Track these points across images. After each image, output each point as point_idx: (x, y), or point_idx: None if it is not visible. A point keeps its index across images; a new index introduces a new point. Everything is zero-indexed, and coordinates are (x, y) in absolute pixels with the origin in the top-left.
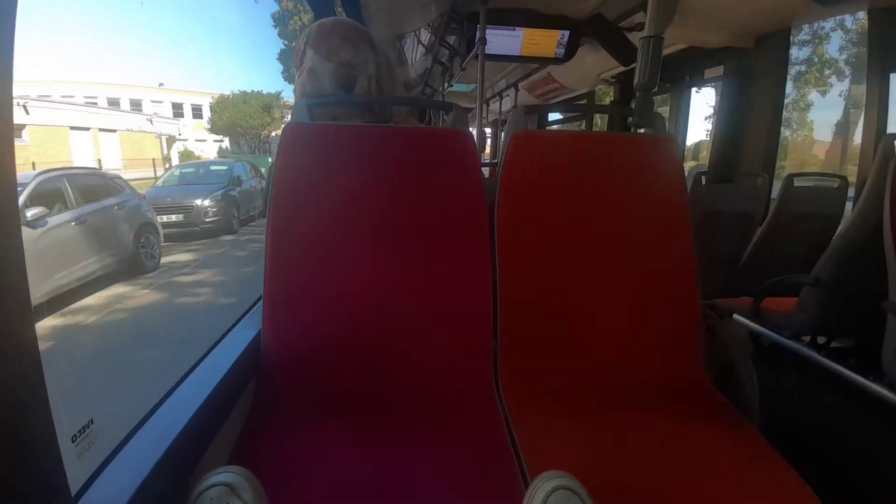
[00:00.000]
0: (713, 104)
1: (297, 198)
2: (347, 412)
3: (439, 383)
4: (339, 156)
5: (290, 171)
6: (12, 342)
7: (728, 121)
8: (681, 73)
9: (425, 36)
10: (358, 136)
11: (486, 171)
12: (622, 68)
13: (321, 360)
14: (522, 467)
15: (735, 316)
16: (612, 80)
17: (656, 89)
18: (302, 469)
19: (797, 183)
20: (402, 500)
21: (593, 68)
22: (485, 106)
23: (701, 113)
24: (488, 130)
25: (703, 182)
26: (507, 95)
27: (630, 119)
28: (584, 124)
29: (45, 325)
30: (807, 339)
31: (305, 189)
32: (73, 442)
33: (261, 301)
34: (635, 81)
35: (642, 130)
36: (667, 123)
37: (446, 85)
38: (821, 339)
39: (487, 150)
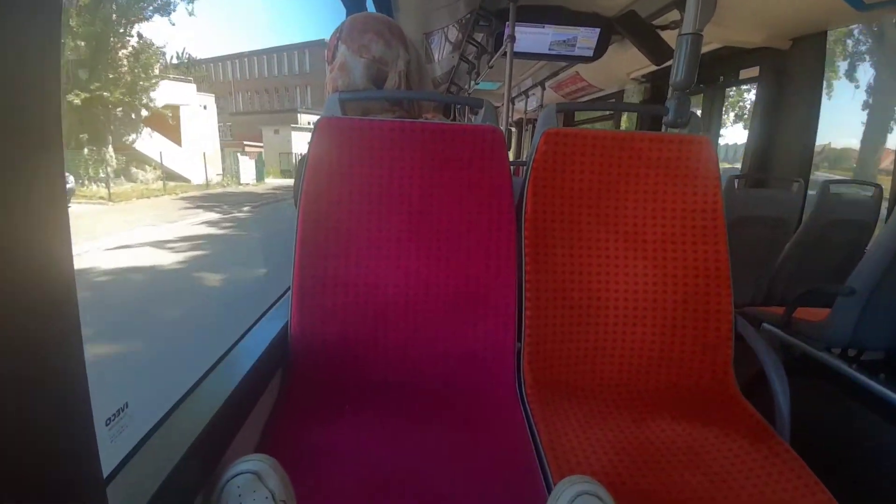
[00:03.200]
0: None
1: (327, 190)
2: (372, 405)
3: (463, 381)
4: (369, 150)
5: (322, 164)
6: (56, 321)
7: (764, 123)
8: (715, 72)
9: (453, 33)
10: (388, 130)
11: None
12: (653, 67)
13: (347, 352)
14: (545, 470)
15: (765, 325)
16: (643, 79)
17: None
18: (326, 459)
19: (833, 189)
20: (424, 498)
21: (623, 67)
22: (511, 104)
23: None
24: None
25: (737, 186)
26: (533, 94)
27: (664, 119)
28: (610, 126)
29: None
30: (837, 350)
31: (336, 182)
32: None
33: (289, 292)
34: (671, 80)
35: (675, 131)
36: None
37: (472, 83)
38: (851, 352)
39: (512, 148)
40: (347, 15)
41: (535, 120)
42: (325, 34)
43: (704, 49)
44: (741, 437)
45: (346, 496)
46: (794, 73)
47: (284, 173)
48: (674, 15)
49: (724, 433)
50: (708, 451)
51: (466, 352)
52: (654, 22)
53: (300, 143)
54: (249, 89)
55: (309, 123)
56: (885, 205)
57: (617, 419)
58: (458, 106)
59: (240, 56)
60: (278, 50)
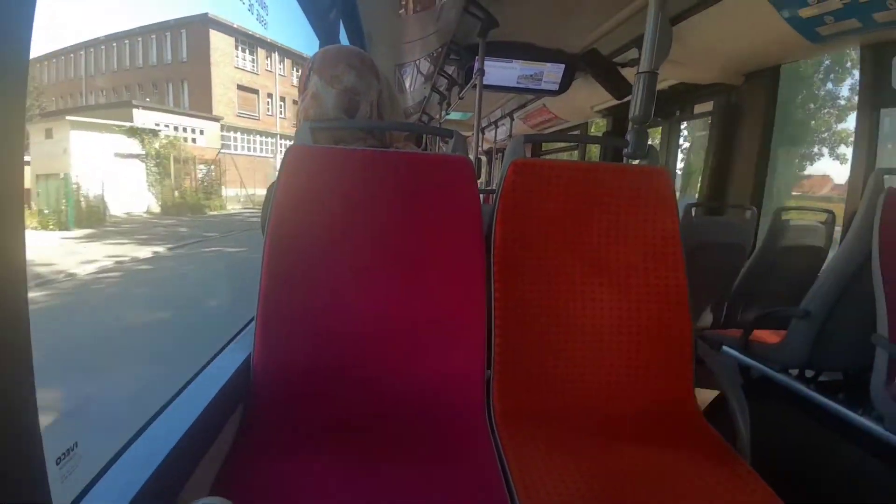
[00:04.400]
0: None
1: (295, 219)
2: (336, 442)
3: (431, 412)
4: (339, 179)
5: (291, 191)
6: (6, 348)
7: (718, 154)
8: (671, 107)
9: (425, 65)
10: (359, 160)
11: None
12: (615, 101)
13: (311, 386)
14: (514, 500)
15: (724, 348)
16: (605, 112)
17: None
18: (287, 501)
19: (785, 217)
20: None
21: (587, 101)
22: (481, 134)
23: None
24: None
25: (694, 214)
26: (503, 124)
27: (625, 150)
28: (575, 156)
29: None
30: (794, 372)
31: (305, 211)
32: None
33: (252, 323)
34: (630, 114)
35: (636, 162)
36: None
37: (443, 113)
38: (809, 373)
39: (482, 177)
40: (320, 46)
41: (504, 149)
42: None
43: (661, 85)
44: (705, 459)
45: None
46: (746, 107)
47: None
48: (633, 53)
49: (689, 456)
50: (673, 474)
51: (435, 382)
52: (615, 59)
53: (106, 158)
54: (106, 88)
55: (158, 125)
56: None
57: (585, 446)
58: (430, 136)
59: (94, 44)
60: (144, 31)
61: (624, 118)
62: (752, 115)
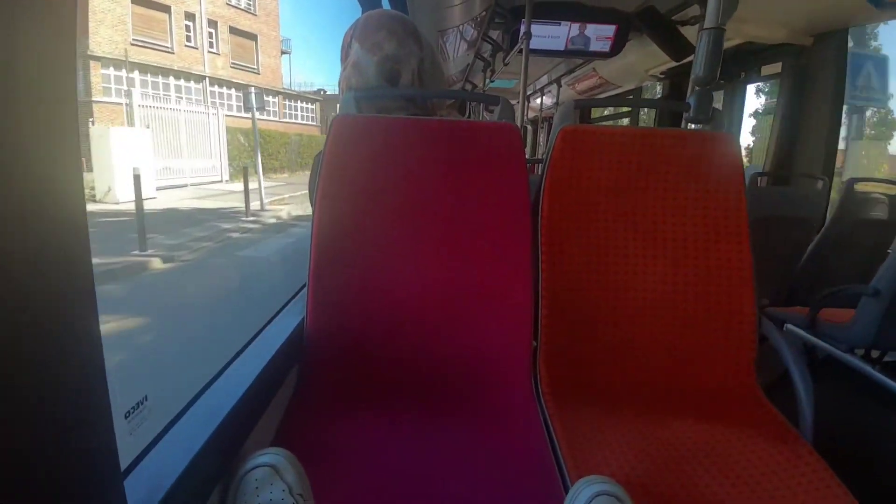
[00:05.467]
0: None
1: (342, 188)
2: (387, 401)
3: (479, 380)
4: (385, 148)
5: (337, 162)
6: (74, 315)
7: (787, 120)
8: (736, 69)
9: (468, 31)
10: (404, 128)
11: None
12: (672, 64)
13: (361, 349)
14: (562, 470)
15: (788, 326)
16: (661, 75)
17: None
18: (342, 454)
19: (858, 188)
20: (439, 495)
21: (641, 64)
22: (526, 102)
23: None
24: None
25: (759, 184)
26: (549, 91)
27: (686, 115)
28: (628, 124)
29: None
30: (860, 351)
31: (351, 180)
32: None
33: (305, 289)
34: (692, 76)
35: (696, 127)
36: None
37: (487, 81)
38: (875, 353)
39: (528, 146)
40: (362, 12)
41: (551, 118)
42: None
43: (725, 45)
44: (763, 439)
45: (362, 490)
46: (816, 70)
47: None
48: (694, 10)
49: (747, 435)
50: (729, 453)
51: (482, 351)
52: (673, 17)
53: None
54: None
55: None
56: None
57: (636, 420)
58: (474, 103)
59: None
60: None
61: (682, 82)
62: (822, 78)
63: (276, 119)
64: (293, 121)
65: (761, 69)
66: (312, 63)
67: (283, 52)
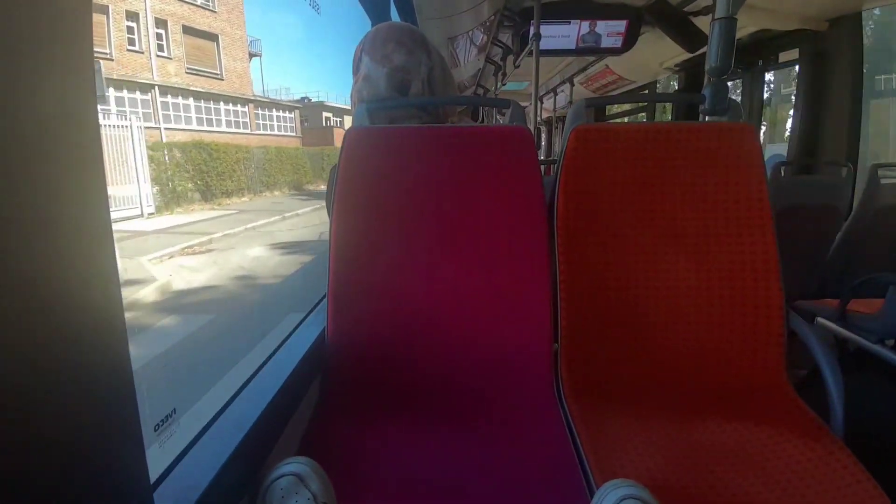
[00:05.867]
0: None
1: (359, 199)
2: (409, 409)
3: (500, 385)
4: (398, 157)
5: (353, 173)
6: (103, 330)
7: (808, 107)
8: (753, 57)
9: (478, 36)
10: (416, 137)
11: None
12: (686, 55)
13: (383, 357)
14: (587, 474)
15: (818, 319)
16: (676, 68)
17: (729, 74)
18: (366, 462)
19: (883, 174)
20: (463, 501)
21: (655, 57)
22: (539, 103)
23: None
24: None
25: (783, 173)
26: (562, 91)
27: (701, 107)
28: (643, 119)
29: None
30: (891, 342)
31: (367, 190)
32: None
33: (325, 299)
34: (707, 66)
35: (714, 119)
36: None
37: (499, 84)
38: None
39: (542, 147)
40: (372, 25)
41: (565, 117)
42: None
43: (740, 33)
44: (795, 436)
45: (386, 498)
46: (833, 55)
47: None
48: (705, 0)
49: (778, 433)
50: (760, 452)
51: (502, 355)
52: (685, 8)
53: None
54: None
55: None
56: None
57: (661, 421)
58: (486, 108)
59: None
60: None
61: (698, 73)
62: (840, 63)
63: (248, 131)
64: (269, 132)
65: (779, 56)
66: (293, 67)
67: (252, 55)
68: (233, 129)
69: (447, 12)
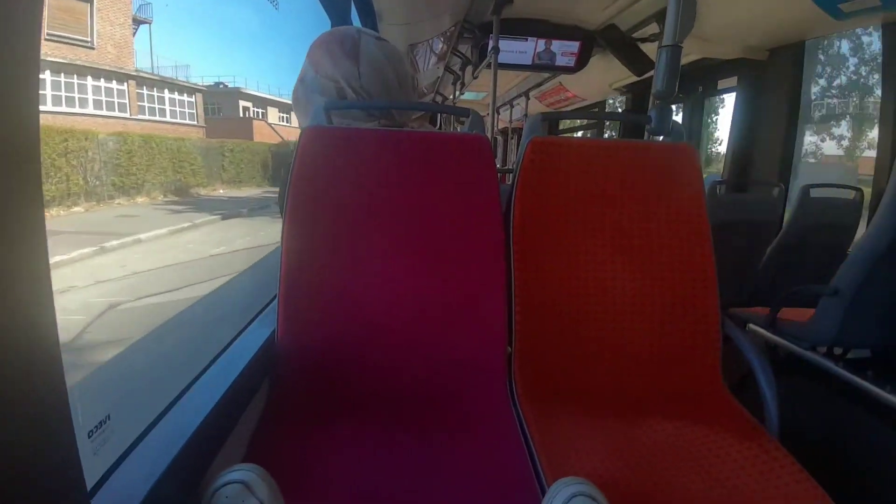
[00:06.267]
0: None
1: (313, 199)
2: (361, 413)
3: (453, 387)
4: (356, 159)
5: (307, 172)
6: (32, 332)
7: (743, 131)
8: (694, 83)
9: (438, 45)
10: (376, 140)
11: None
12: (634, 78)
13: (334, 361)
14: (539, 473)
15: (750, 325)
16: (624, 89)
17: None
18: (316, 469)
19: (813, 194)
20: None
21: (605, 78)
22: (496, 114)
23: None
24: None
25: (718, 192)
26: (518, 104)
27: (647, 127)
28: (594, 135)
29: None
30: (822, 349)
31: (322, 191)
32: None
33: (275, 300)
34: (653, 90)
35: (659, 139)
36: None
37: (457, 94)
38: (837, 351)
39: (498, 157)
40: (331, 26)
41: (521, 129)
42: None
43: (684, 60)
44: (731, 435)
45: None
46: (772, 82)
47: None
48: (653, 28)
49: (715, 432)
50: (699, 450)
51: (456, 360)
52: (634, 35)
53: None
54: None
55: None
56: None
57: (609, 421)
58: (445, 115)
59: None
60: None
61: (644, 95)
62: (778, 90)
63: (127, 115)
64: (159, 118)
65: (718, 83)
66: (200, 41)
67: (139, 21)
68: (105, 112)
69: (408, 19)
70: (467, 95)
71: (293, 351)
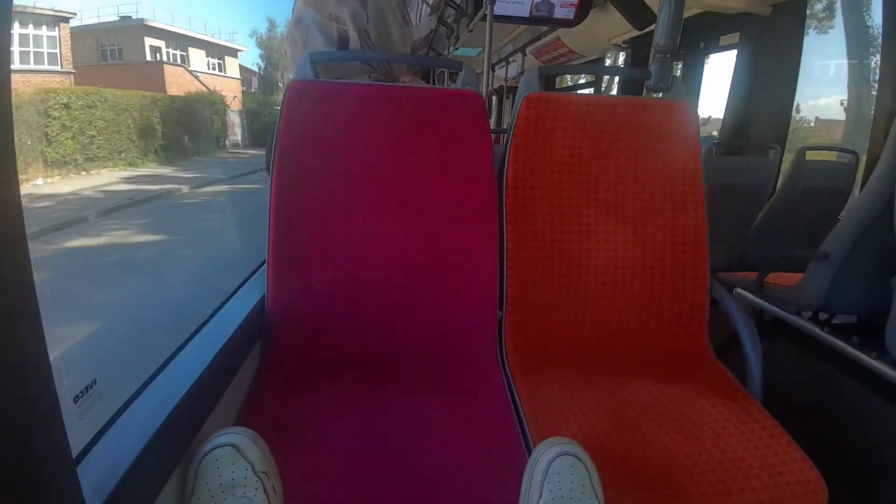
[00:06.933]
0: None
1: (301, 158)
2: (352, 376)
3: (443, 349)
4: (344, 115)
5: (294, 130)
6: (11, 297)
7: (742, 91)
8: (695, 38)
9: None
10: (366, 94)
11: None
12: (634, 33)
13: (325, 323)
14: (525, 434)
15: (738, 290)
16: (623, 45)
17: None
18: (307, 431)
19: (809, 157)
20: (405, 465)
21: (604, 32)
22: (491, 71)
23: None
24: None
25: (714, 154)
26: (514, 61)
27: (647, 83)
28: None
29: None
30: (808, 314)
31: (310, 149)
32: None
33: (264, 265)
34: (654, 43)
35: (658, 96)
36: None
37: (451, 49)
38: (822, 316)
39: (492, 116)
40: None
41: (516, 87)
42: None
43: (686, 14)
44: (715, 397)
45: (328, 466)
46: (773, 40)
47: None
48: None
49: (699, 394)
50: (682, 412)
51: (447, 322)
52: None
53: None
54: None
55: None
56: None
57: (597, 382)
58: (438, 72)
59: None
60: None
61: (644, 52)
62: (779, 48)
63: None
64: None
65: (720, 39)
66: None
67: None
68: None
69: None
70: (462, 51)
71: (284, 314)
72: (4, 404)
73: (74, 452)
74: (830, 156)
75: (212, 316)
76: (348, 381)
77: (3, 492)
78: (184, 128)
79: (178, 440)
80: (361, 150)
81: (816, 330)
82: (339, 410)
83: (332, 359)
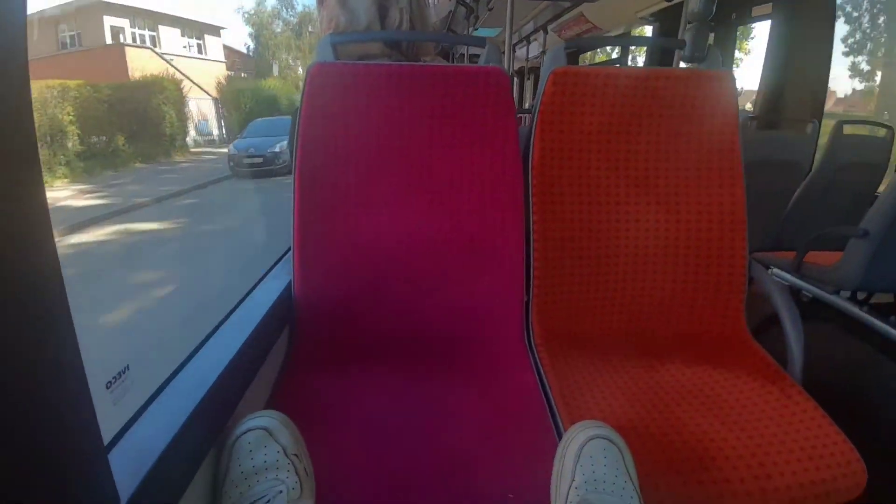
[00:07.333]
0: None
1: (324, 142)
2: (380, 359)
3: (471, 334)
4: (366, 97)
5: (316, 113)
6: (42, 289)
7: (777, 63)
8: (727, 9)
9: None
10: (387, 75)
11: None
12: (663, 4)
13: (352, 306)
14: (555, 417)
15: (774, 270)
16: (651, 17)
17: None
18: (337, 414)
19: (847, 130)
20: (434, 446)
21: (631, 4)
22: (511, 52)
23: None
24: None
25: (750, 127)
26: (535, 40)
27: (680, 54)
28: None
29: None
30: (846, 294)
31: (333, 133)
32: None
33: (290, 252)
34: (686, 11)
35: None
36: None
37: (470, 29)
38: (861, 295)
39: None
40: None
41: (538, 68)
42: None
43: None
44: (753, 379)
45: (358, 448)
46: (806, 9)
47: None
48: None
49: (736, 376)
50: (720, 394)
51: (474, 305)
52: None
53: None
54: None
55: None
56: None
57: (628, 366)
58: (458, 55)
59: None
60: None
61: (672, 25)
62: (812, 17)
63: None
64: None
65: (752, 10)
66: None
67: None
68: None
69: None
70: (480, 31)
71: (311, 299)
72: (35, 394)
73: (106, 439)
74: (863, 130)
75: (240, 302)
76: (376, 363)
77: (35, 479)
78: (118, 126)
79: (210, 425)
80: (385, 132)
81: (855, 309)
82: (368, 393)
83: (360, 342)
